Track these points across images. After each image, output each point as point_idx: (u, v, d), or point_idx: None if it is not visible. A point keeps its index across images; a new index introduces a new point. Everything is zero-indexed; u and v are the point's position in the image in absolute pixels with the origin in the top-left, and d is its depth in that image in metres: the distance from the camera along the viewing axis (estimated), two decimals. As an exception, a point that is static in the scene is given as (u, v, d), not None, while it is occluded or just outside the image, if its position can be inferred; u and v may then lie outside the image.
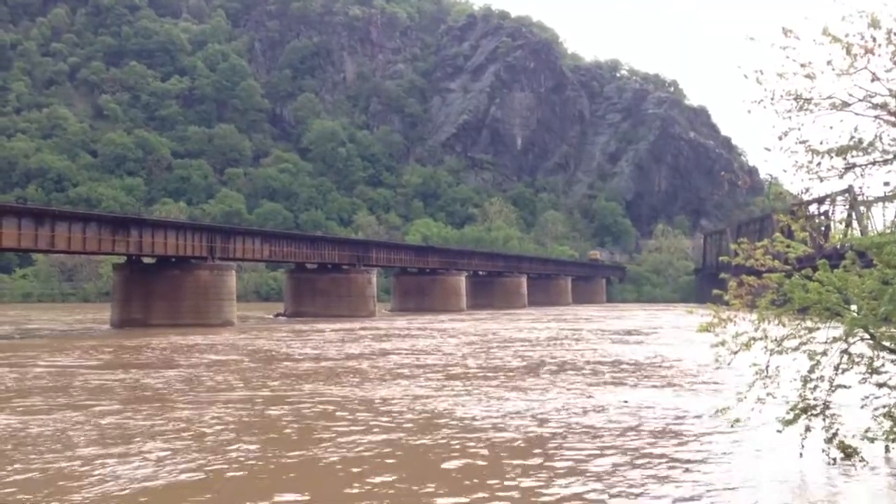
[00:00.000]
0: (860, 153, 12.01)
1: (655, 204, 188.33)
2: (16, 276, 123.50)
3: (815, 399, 12.73)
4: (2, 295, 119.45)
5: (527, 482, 12.95)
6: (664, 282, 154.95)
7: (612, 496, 12.05)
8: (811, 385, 12.68)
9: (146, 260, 62.98)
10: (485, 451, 15.18)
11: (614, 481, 12.90)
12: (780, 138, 12.15)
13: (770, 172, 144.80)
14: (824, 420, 12.75)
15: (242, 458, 14.60)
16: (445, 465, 14.22)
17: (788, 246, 13.24)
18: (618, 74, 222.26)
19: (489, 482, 12.90)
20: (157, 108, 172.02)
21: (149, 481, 13.00)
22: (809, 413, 12.72)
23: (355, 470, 13.79)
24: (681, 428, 17.40)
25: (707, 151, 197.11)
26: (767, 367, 12.95)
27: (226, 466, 14.05)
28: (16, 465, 14.08)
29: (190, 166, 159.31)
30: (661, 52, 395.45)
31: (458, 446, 15.66)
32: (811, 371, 12.58)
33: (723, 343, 12.74)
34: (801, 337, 12.67)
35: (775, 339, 12.73)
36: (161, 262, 62.76)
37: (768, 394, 12.79)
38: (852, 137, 11.96)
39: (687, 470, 13.58)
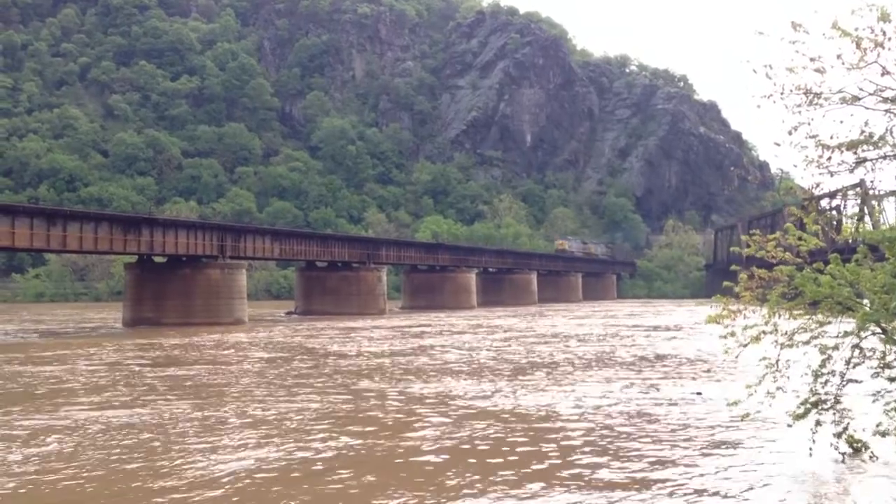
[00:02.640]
0: (871, 147, 11.98)
1: (665, 199, 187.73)
2: (29, 275, 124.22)
3: (826, 394, 12.71)
4: (15, 295, 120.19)
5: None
6: (675, 277, 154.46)
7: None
8: (822, 379, 12.66)
9: (157, 259, 63.24)
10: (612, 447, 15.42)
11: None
12: (791, 133, 12.12)
13: (781, 167, 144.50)
14: (834, 414, 12.73)
15: (338, 448, 15.29)
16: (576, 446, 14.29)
17: (801, 238, 13.20)
18: (627, 70, 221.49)
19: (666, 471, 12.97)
20: (167, 108, 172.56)
21: (247, 466, 13.84)
22: (820, 407, 12.70)
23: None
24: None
25: (717, 146, 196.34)
26: (778, 360, 12.93)
27: (326, 456, 14.67)
28: (126, 455, 14.79)
29: (200, 165, 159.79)
30: (670, 48, 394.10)
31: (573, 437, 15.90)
32: (822, 365, 12.56)
33: (732, 334, 12.71)
34: (812, 331, 12.64)
35: (786, 333, 12.70)
36: (172, 261, 63.01)
37: (778, 388, 12.78)
38: (863, 132, 11.93)
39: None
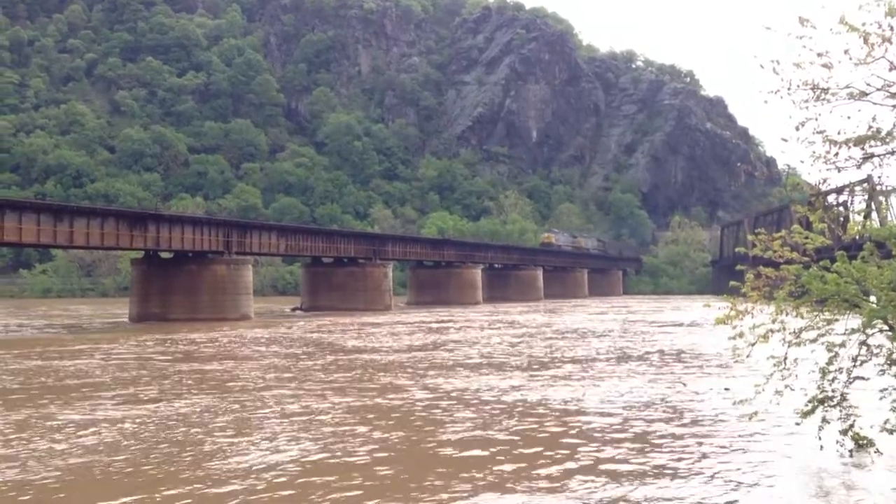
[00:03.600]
0: (878, 143, 11.91)
1: (672, 195, 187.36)
2: (36, 271, 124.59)
3: (833, 391, 12.69)
4: (22, 290, 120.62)
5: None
6: (680, 274, 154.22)
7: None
8: (829, 377, 12.64)
9: (164, 255, 63.43)
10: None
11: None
12: (798, 128, 12.05)
13: (787, 163, 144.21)
14: (841, 411, 12.71)
15: (377, 441, 15.53)
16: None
17: (807, 237, 13.16)
18: (633, 65, 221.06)
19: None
20: (173, 104, 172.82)
21: (283, 459, 14.13)
22: (827, 404, 12.68)
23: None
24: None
25: (724, 142, 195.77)
26: (785, 358, 12.90)
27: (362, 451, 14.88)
28: (171, 447, 15.13)
29: (206, 161, 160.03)
30: (677, 43, 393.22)
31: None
32: (829, 363, 12.54)
33: (741, 335, 12.70)
34: (819, 328, 12.61)
35: (793, 331, 12.67)
36: (178, 256, 63.16)
37: (786, 385, 12.76)
38: (870, 127, 11.86)
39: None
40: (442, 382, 24.06)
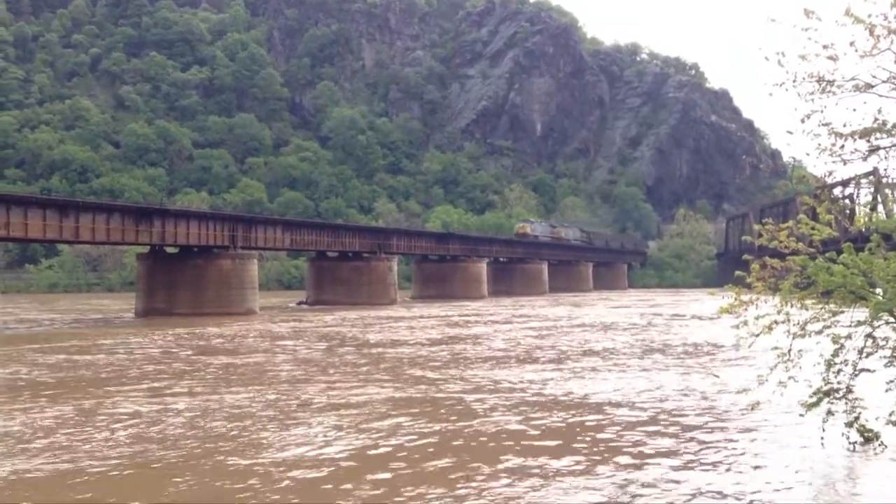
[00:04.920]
0: (884, 135, 11.90)
1: (677, 188, 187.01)
2: (42, 266, 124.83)
3: (838, 383, 12.69)
4: (28, 285, 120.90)
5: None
6: (686, 267, 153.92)
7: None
8: (834, 369, 12.64)
9: (169, 250, 63.50)
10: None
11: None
12: (803, 121, 12.04)
13: (793, 155, 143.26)
14: (846, 404, 12.72)
15: (422, 433, 15.76)
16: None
17: (813, 228, 13.14)
18: (638, 58, 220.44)
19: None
20: (177, 99, 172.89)
21: (335, 448, 14.51)
22: (832, 396, 12.69)
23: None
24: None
25: (729, 135, 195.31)
26: (790, 350, 12.91)
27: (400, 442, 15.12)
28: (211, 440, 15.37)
29: (211, 156, 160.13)
30: (682, 35, 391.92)
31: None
32: (835, 355, 12.54)
33: (744, 324, 12.72)
34: (824, 320, 12.61)
35: (798, 323, 12.68)
36: (184, 251, 63.25)
37: (790, 377, 12.78)
38: (876, 119, 11.84)
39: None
40: (474, 375, 24.23)
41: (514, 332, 42.02)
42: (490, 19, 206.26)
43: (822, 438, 12.87)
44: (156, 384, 22.87)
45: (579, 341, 35.85)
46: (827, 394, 12.70)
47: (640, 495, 11.54)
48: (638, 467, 13.12)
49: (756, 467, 13.08)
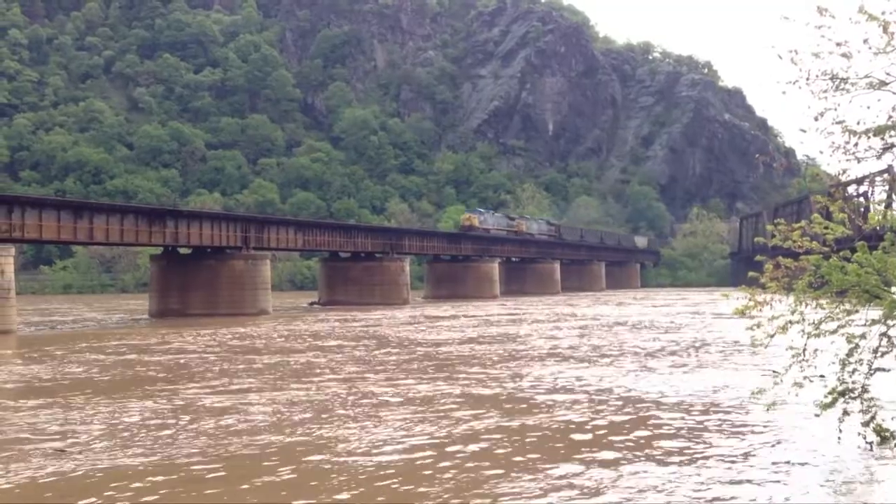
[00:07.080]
0: (898, 133, 11.81)
1: (690, 187, 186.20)
2: (56, 267, 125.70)
3: (853, 382, 12.62)
4: (43, 287, 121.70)
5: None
6: (699, 266, 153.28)
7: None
8: (849, 368, 12.56)
9: (182, 251, 63.80)
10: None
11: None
12: (817, 119, 11.98)
13: (807, 154, 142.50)
14: (862, 403, 12.64)
15: (489, 428, 15.96)
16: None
17: (826, 227, 13.07)
18: (650, 57, 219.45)
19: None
20: (190, 100, 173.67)
21: (406, 442, 14.82)
22: (847, 396, 12.61)
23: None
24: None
25: (742, 133, 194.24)
26: (805, 349, 12.84)
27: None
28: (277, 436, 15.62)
29: (223, 157, 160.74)
30: (694, 34, 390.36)
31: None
32: (850, 354, 12.46)
33: (759, 325, 12.66)
34: (839, 320, 12.53)
35: (813, 322, 12.60)
36: (197, 252, 63.52)
37: (805, 377, 12.71)
38: (890, 117, 11.77)
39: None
40: (526, 372, 24.35)
41: (555, 330, 41.84)
42: (501, 19, 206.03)
43: (839, 438, 12.79)
44: (214, 382, 23.24)
45: (623, 339, 35.72)
46: (842, 393, 12.63)
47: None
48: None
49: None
